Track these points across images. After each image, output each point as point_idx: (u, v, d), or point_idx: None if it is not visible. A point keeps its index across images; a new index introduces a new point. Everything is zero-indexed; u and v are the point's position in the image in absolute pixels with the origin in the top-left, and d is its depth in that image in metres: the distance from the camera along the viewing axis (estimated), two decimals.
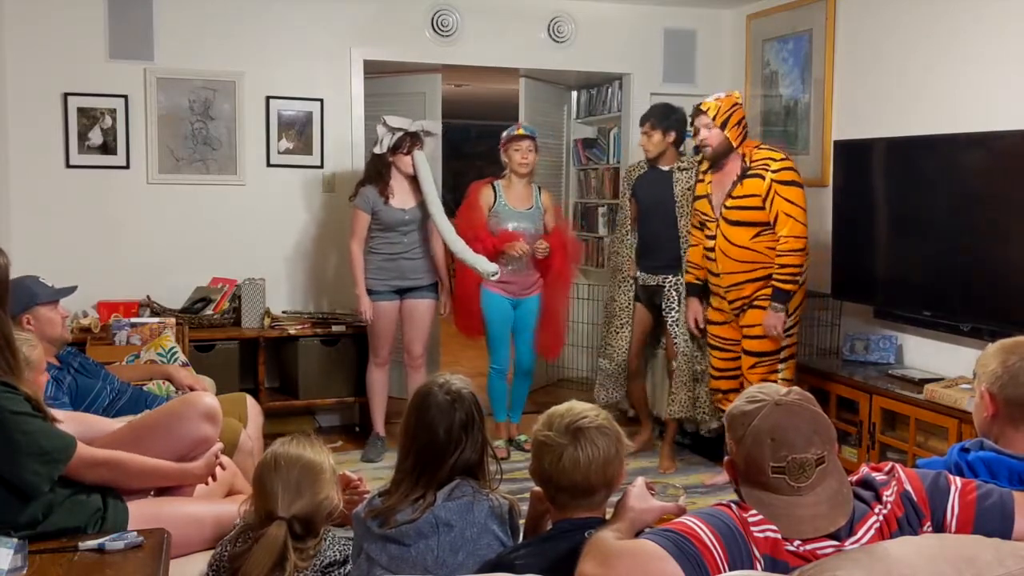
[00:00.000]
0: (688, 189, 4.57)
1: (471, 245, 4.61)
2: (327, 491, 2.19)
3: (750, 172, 4.11)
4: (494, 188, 4.86)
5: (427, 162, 4.69)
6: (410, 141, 4.68)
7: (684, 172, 4.62)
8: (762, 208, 4.07)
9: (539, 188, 4.97)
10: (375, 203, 4.68)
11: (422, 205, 4.71)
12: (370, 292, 4.74)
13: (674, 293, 4.62)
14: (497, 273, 4.55)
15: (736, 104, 4.16)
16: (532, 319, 4.91)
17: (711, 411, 4.61)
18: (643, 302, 4.76)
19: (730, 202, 4.15)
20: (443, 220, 4.62)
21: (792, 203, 4.03)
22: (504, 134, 4.90)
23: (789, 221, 4.02)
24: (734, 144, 4.15)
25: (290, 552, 2.09)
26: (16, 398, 2.13)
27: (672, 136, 4.61)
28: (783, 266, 4.06)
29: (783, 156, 4.13)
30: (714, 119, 4.13)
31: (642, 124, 4.66)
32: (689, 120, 4.46)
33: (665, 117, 4.62)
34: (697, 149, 4.37)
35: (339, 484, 2.29)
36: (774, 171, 4.04)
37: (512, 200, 4.83)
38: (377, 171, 4.73)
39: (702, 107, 4.21)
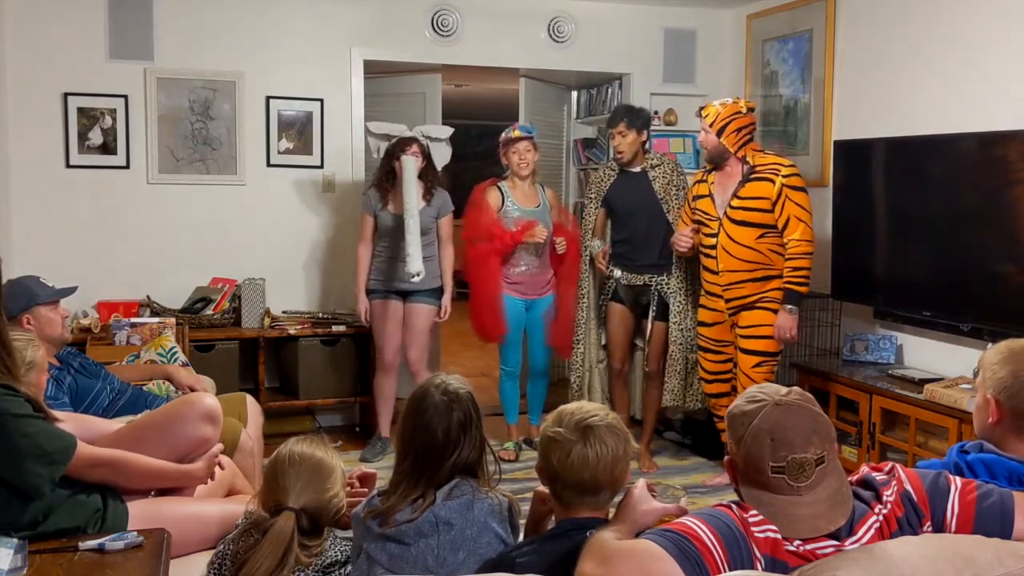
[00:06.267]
0: (668, 184, 4.60)
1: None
2: (336, 490, 2.22)
3: (755, 175, 4.14)
4: (500, 189, 4.82)
5: (414, 169, 4.60)
6: (403, 146, 4.65)
7: (657, 169, 4.63)
8: (769, 211, 4.11)
9: (542, 186, 4.94)
10: (375, 206, 4.71)
11: (423, 212, 4.63)
12: (371, 292, 4.75)
13: (659, 294, 4.61)
14: (419, 274, 4.43)
15: (737, 113, 4.17)
16: (546, 319, 4.87)
17: (702, 399, 4.61)
18: (626, 303, 4.71)
19: (736, 202, 4.17)
20: (415, 230, 4.48)
21: (802, 208, 4.10)
22: (502, 136, 4.85)
23: (800, 225, 4.08)
24: (731, 150, 4.17)
25: (295, 546, 2.10)
26: (17, 400, 2.13)
27: (644, 135, 4.63)
28: (796, 269, 4.10)
29: (790, 163, 4.21)
30: (711, 125, 4.18)
31: (614, 125, 4.58)
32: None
33: (637, 116, 4.61)
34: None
35: (346, 487, 2.31)
36: (785, 176, 4.10)
37: (519, 199, 4.80)
38: (382, 175, 4.73)
39: (702, 112, 4.27)
